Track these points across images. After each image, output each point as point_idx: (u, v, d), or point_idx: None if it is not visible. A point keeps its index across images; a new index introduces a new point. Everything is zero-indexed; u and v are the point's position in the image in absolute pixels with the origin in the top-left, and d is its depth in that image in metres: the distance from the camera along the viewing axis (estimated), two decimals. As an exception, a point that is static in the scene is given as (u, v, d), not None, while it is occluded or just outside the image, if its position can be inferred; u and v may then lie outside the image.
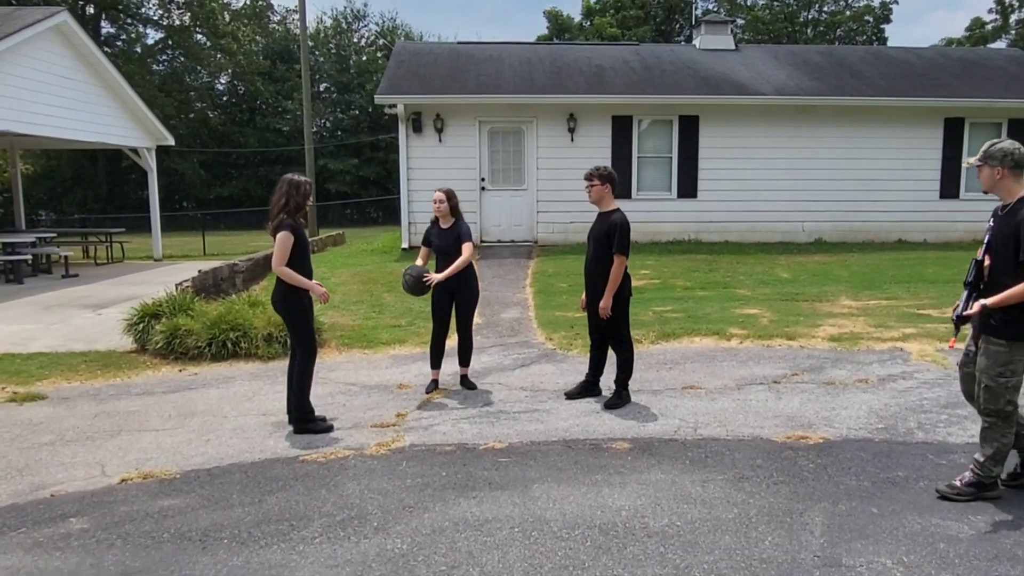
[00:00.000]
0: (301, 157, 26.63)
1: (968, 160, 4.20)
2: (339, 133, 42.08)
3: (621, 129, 15.16)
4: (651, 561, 3.44)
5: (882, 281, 11.39)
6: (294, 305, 5.36)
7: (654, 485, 4.32)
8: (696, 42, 18.97)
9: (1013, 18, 58.92)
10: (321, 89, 42.87)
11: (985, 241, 4.07)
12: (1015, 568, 3.33)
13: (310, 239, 18.48)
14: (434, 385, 6.45)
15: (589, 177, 5.92)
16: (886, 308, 9.48)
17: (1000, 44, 48.37)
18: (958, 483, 4.10)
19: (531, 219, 15.32)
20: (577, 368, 6.91)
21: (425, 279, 6.09)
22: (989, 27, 58.68)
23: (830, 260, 13.37)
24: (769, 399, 5.99)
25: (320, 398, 6.18)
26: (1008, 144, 4.01)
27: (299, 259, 5.33)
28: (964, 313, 3.99)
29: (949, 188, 15.73)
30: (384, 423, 5.54)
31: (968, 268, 4.09)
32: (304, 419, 5.40)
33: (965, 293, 4.07)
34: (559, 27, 47.17)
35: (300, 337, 5.41)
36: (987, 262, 4.02)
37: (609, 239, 5.78)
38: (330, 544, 3.66)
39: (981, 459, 4.05)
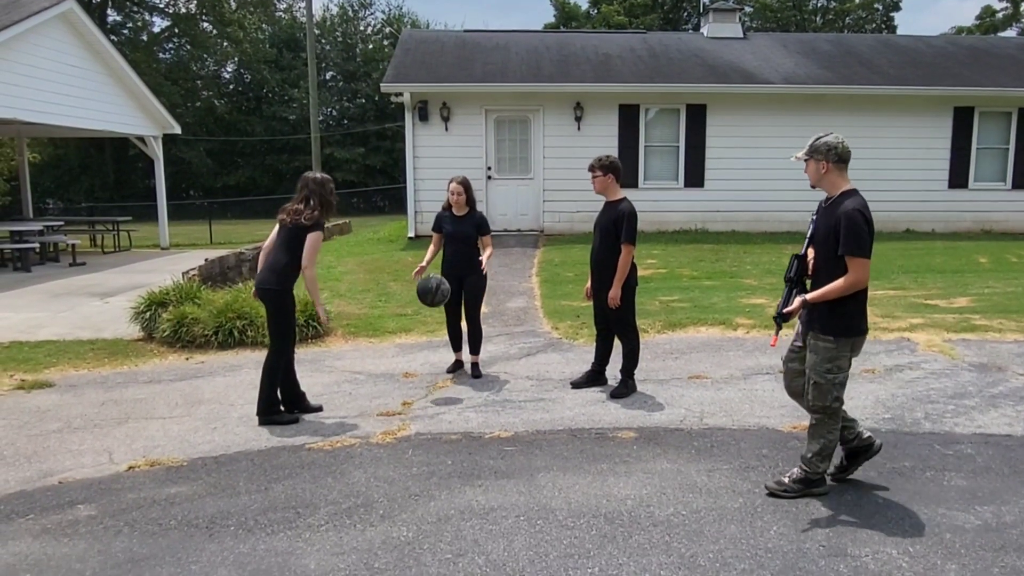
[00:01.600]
0: (307, 146, 26.61)
1: (796, 155, 4.16)
2: (345, 122, 42.00)
3: (628, 118, 15.11)
4: (656, 550, 3.44)
5: (890, 271, 11.34)
6: (288, 300, 5.33)
7: (660, 474, 4.32)
8: (704, 30, 18.85)
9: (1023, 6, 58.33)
10: (327, 77, 42.78)
11: (808, 235, 4.03)
12: (1021, 559, 3.32)
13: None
14: (458, 365, 6.60)
15: (592, 168, 5.91)
16: (893, 298, 9.44)
17: (1010, 33, 47.92)
18: (786, 480, 4.03)
19: (537, 208, 15.30)
20: (583, 357, 6.90)
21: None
22: (1000, 15, 58.15)
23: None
24: (775, 389, 5.97)
25: (326, 386, 6.20)
26: (832, 138, 3.96)
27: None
28: (785, 310, 3.91)
29: (958, 178, 15.63)
30: (390, 412, 5.55)
31: (789, 264, 4.01)
32: (268, 411, 5.34)
33: (787, 289, 4.00)
34: (566, 15, 46.93)
35: (283, 331, 5.34)
36: (811, 256, 3.98)
37: (616, 228, 5.76)
38: (336, 532, 3.67)
39: (808, 455, 3.99)
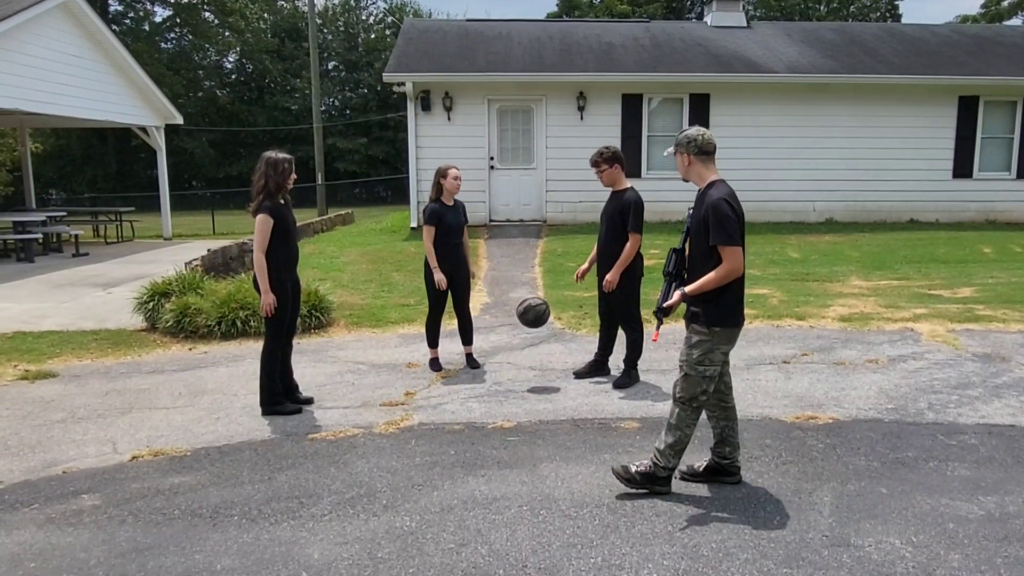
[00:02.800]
0: (310, 136, 26.57)
1: (666, 151, 4.17)
2: (348, 112, 41.93)
3: (631, 107, 15.05)
4: (659, 540, 3.44)
5: (893, 261, 11.32)
6: (275, 288, 5.22)
7: (662, 464, 4.32)
8: (707, 19, 18.75)
9: (1031, -6, 58.02)
10: (330, 67, 42.68)
11: (685, 228, 4.01)
12: (1025, 549, 3.32)
13: (319, 218, 18.53)
14: (437, 364, 6.45)
15: (596, 163, 5.88)
16: (897, 288, 9.42)
17: (1016, 21, 47.58)
18: (633, 469, 3.94)
19: (540, 198, 15.26)
20: (586, 348, 6.90)
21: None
22: (1005, 3, 57.76)
23: (841, 240, 13.28)
24: (778, 379, 5.97)
25: (329, 376, 6.20)
26: (693, 131, 3.94)
27: (281, 241, 5.20)
28: (665, 304, 3.88)
29: (962, 167, 15.56)
30: (393, 402, 5.56)
31: (667, 258, 4.00)
32: (270, 401, 5.32)
33: (665, 283, 3.98)
34: (569, 4, 46.73)
35: (271, 321, 5.24)
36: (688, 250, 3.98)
37: (623, 217, 5.75)
38: (339, 521, 3.68)
39: (662, 447, 3.91)
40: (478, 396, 5.67)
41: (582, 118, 14.96)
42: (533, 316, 6.00)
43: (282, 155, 5.30)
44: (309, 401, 5.58)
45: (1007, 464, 4.26)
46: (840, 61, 15.84)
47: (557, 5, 47.49)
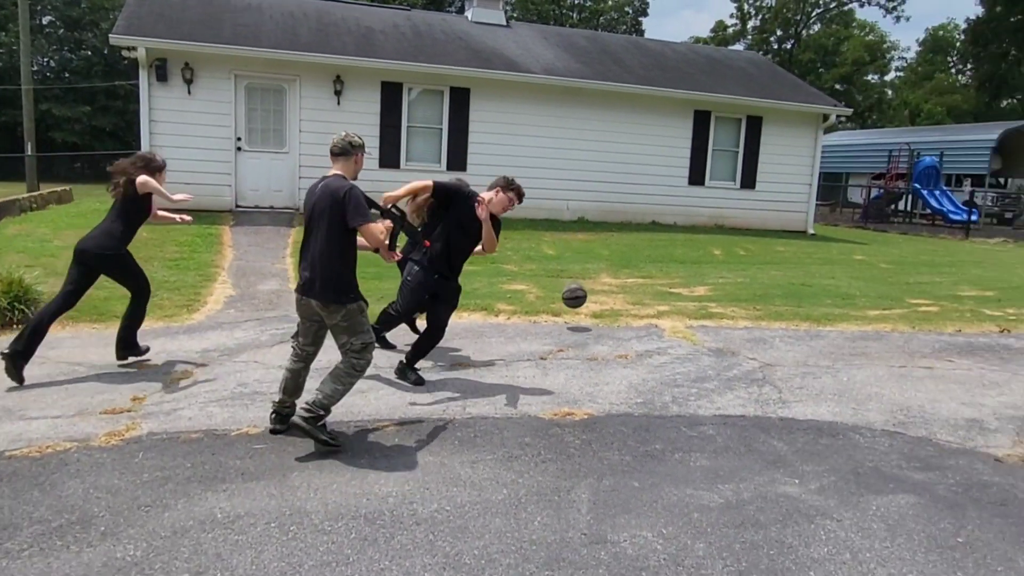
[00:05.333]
0: (17, 99, 23.34)
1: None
2: (67, 75, 37.50)
3: (391, 96, 14.87)
4: (420, 550, 3.32)
5: (638, 260, 12.20)
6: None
7: (422, 468, 4.22)
8: (468, 14, 19.06)
9: (750, 24, 66.06)
10: (44, 22, 37.87)
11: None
12: (758, 533, 3.62)
13: (29, 194, 16.29)
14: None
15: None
16: (642, 286, 10.14)
17: (739, 46, 53.85)
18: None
19: (293, 185, 14.58)
20: (341, 345, 6.63)
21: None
22: (730, 30, 65.21)
23: (593, 238, 14.10)
24: (536, 376, 6.12)
25: (35, 379, 5.39)
26: (335, 137, 4.59)
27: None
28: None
29: (697, 176, 17.21)
30: (117, 409, 4.93)
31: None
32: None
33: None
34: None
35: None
36: None
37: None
38: (43, 556, 3.15)
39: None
40: (220, 400, 5.21)
41: (339, 103, 14.52)
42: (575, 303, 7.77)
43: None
44: None
45: (740, 453, 4.67)
46: (592, 68, 16.83)
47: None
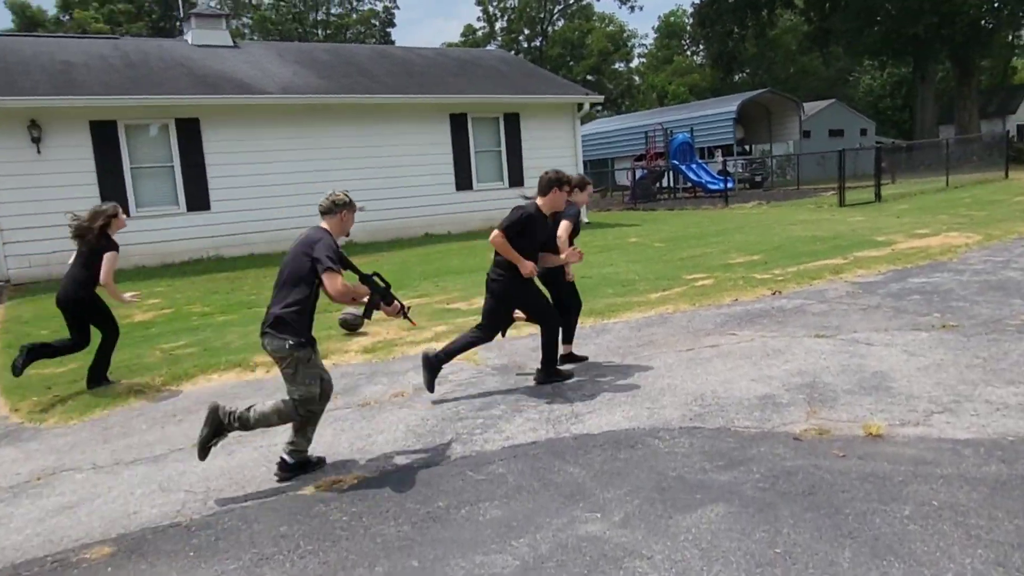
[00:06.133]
0: None
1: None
2: None
3: (104, 136, 13.22)
4: None
5: (412, 278, 11.57)
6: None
7: (138, 608, 3.27)
8: (188, 37, 17.59)
9: (498, 26, 68.11)
10: None
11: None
12: (564, 598, 3.05)
13: None
14: None
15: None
16: (418, 307, 9.48)
17: (491, 47, 55.13)
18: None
19: (-7, 253, 12.54)
20: (54, 446, 5.42)
21: None
22: (480, 33, 66.79)
23: (361, 262, 13.03)
24: (298, 439, 5.26)
25: None
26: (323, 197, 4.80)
27: None
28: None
29: (463, 180, 16.92)
30: None
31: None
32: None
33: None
34: (29, 21, 41.12)
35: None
36: None
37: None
38: None
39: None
40: None
41: (39, 151, 12.67)
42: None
43: None
44: None
45: (534, 490, 4.11)
46: (337, 82, 16.03)
47: (13, 22, 41.44)
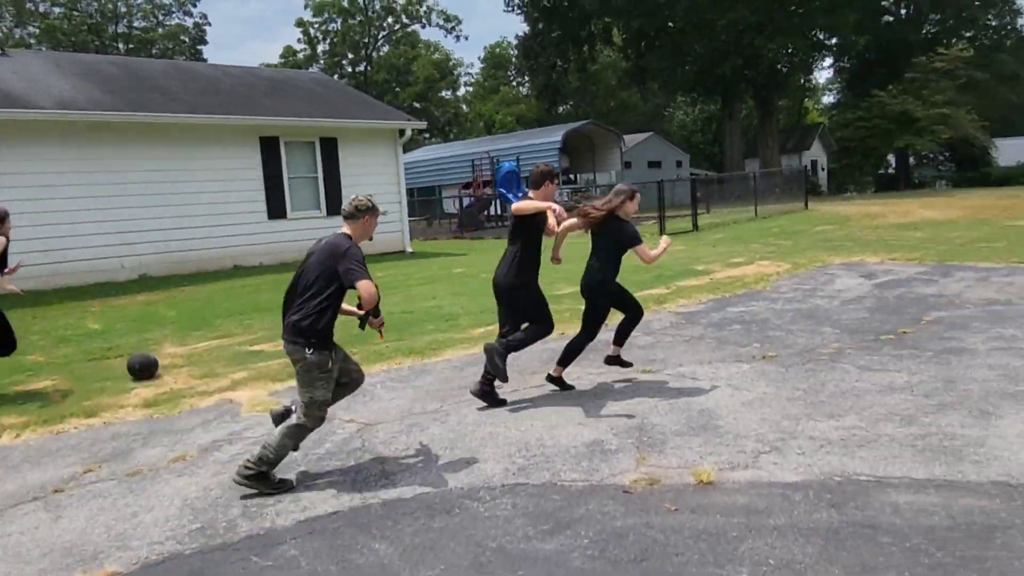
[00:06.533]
0: None
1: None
2: None
3: None
4: None
5: (214, 317, 10.53)
6: None
7: None
8: (-51, 42, 15.53)
9: (320, 48, 66.70)
10: None
11: None
12: None
13: None
14: None
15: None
16: (216, 350, 8.55)
17: (313, 70, 53.70)
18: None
19: None
20: None
21: None
22: (301, 55, 65.10)
23: (156, 299, 12.02)
24: (41, 524, 4.31)
25: None
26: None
27: None
28: None
29: (276, 208, 15.92)
30: None
31: None
32: None
33: None
34: None
35: None
36: None
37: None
38: None
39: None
40: None
41: None
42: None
43: None
44: None
45: (331, 574, 3.46)
46: (125, 98, 14.61)
47: None
